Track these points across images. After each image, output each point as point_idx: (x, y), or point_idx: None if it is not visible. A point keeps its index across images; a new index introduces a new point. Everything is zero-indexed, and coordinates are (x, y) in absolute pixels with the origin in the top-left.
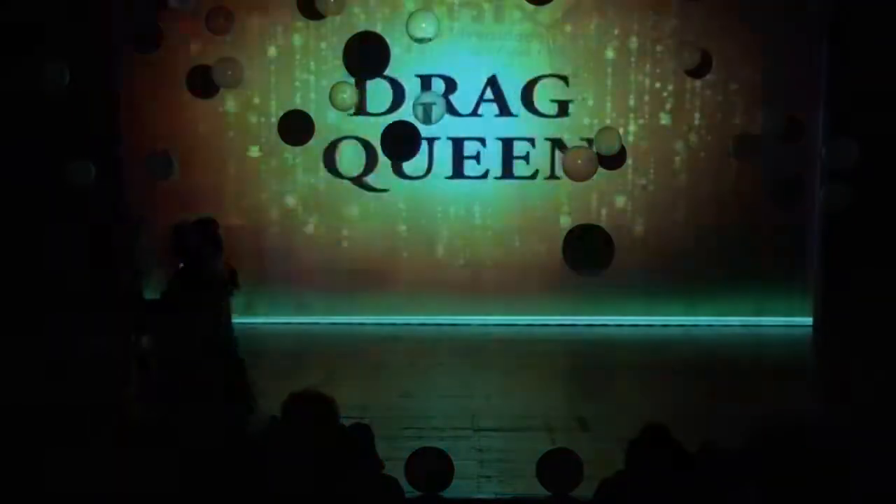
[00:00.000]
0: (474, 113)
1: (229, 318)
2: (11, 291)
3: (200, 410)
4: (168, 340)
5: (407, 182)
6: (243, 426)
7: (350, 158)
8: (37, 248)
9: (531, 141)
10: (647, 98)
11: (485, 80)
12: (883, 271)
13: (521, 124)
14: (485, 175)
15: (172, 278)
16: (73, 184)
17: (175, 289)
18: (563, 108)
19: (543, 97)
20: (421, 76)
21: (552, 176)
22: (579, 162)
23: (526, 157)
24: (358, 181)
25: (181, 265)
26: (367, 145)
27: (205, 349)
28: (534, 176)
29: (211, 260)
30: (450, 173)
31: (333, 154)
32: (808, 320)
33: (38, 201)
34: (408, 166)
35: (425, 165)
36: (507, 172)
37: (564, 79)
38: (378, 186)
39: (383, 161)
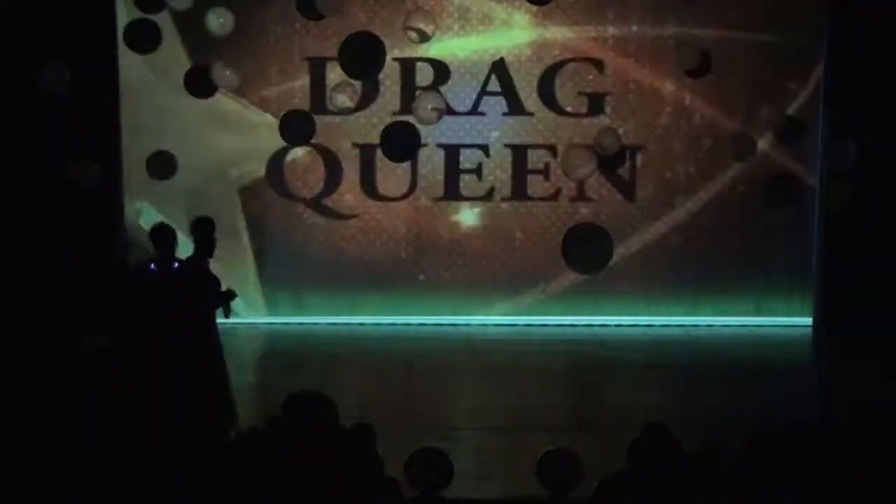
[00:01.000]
0: (474, 110)
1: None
2: (11, 291)
3: (185, 411)
4: (156, 340)
5: (382, 205)
6: (226, 427)
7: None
8: (37, 248)
9: (551, 149)
10: (646, 98)
11: (488, 66)
12: (883, 271)
13: (539, 126)
14: (489, 195)
15: (166, 277)
16: (76, 184)
17: (168, 288)
18: (596, 104)
19: (569, 89)
20: (401, 60)
21: (580, 197)
22: (578, 162)
23: (544, 171)
24: (314, 203)
25: (175, 265)
26: (327, 156)
27: (193, 349)
28: (555, 196)
29: (205, 260)
30: (440, 193)
31: (281, 169)
32: (808, 320)
33: (39, 201)
34: (383, 186)
35: (407, 183)
36: (519, 191)
37: (598, 64)
38: (343, 212)
39: (349, 180)
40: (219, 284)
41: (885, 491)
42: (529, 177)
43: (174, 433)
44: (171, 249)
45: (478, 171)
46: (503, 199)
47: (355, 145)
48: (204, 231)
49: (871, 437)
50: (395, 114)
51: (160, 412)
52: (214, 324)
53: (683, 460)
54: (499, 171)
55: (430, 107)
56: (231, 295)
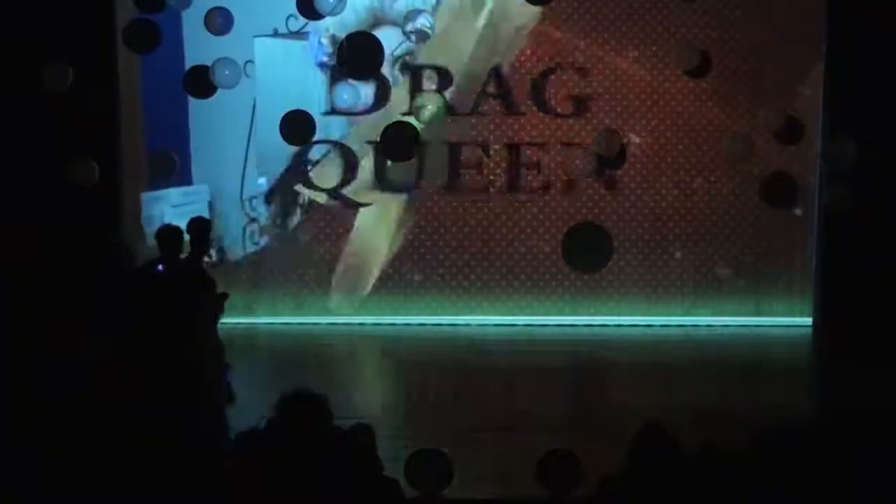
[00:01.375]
0: (474, 111)
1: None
2: (12, 292)
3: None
4: (158, 341)
5: (393, 196)
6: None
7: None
8: (36, 247)
9: (543, 146)
10: (646, 98)
11: (487, 72)
12: (883, 271)
13: (533, 126)
14: (486, 188)
15: (167, 276)
16: (75, 183)
17: (169, 287)
18: (581, 106)
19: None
20: (410, 67)
21: (569, 189)
22: (577, 162)
23: (536, 166)
24: (334, 194)
25: (176, 264)
26: (345, 151)
27: (195, 349)
28: (546, 188)
29: (200, 260)
30: (443, 187)
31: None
32: (808, 320)
33: (39, 201)
34: (394, 177)
35: (414, 176)
36: (513, 185)
37: (583, 70)
38: (359, 200)
39: (364, 171)
40: (214, 285)
41: (886, 491)
42: (523, 171)
43: (173, 435)
44: (177, 250)
45: (478, 167)
46: (500, 192)
47: (368, 143)
48: (201, 231)
49: (871, 436)
50: (403, 114)
51: (159, 414)
52: (214, 325)
53: (682, 461)
54: (494, 165)
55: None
56: (225, 296)
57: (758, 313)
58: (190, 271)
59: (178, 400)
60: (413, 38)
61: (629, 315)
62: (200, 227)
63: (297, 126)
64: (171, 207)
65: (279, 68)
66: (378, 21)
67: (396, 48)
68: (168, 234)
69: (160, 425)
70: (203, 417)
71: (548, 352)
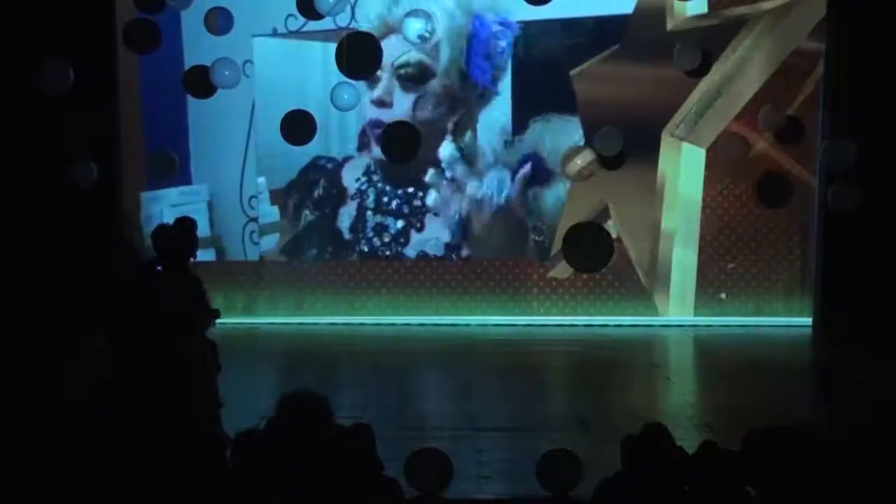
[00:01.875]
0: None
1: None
2: (12, 292)
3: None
4: (155, 341)
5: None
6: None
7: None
8: (37, 247)
9: None
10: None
11: None
12: (883, 272)
13: None
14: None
15: (167, 276)
16: (75, 184)
17: (169, 287)
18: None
19: None
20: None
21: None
22: (579, 163)
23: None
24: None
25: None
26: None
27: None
28: None
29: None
30: None
31: None
32: (808, 320)
33: (40, 201)
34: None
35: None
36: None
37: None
38: None
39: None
40: (200, 284)
41: (886, 492)
42: None
43: (171, 435)
44: (173, 250)
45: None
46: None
47: None
48: (188, 231)
49: (871, 437)
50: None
51: (159, 414)
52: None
53: (682, 461)
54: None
55: (429, 107)
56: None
57: (758, 313)
58: (180, 271)
59: (178, 400)
60: (415, 43)
61: (629, 315)
62: (186, 227)
63: (298, 126)
64: (170, 207)
65: (279, 68)
66: (389, 30)
67: (399, 57)
68: (164, 234)
69: (159, 425)
70: (203, 417)
71: (548, 352)
